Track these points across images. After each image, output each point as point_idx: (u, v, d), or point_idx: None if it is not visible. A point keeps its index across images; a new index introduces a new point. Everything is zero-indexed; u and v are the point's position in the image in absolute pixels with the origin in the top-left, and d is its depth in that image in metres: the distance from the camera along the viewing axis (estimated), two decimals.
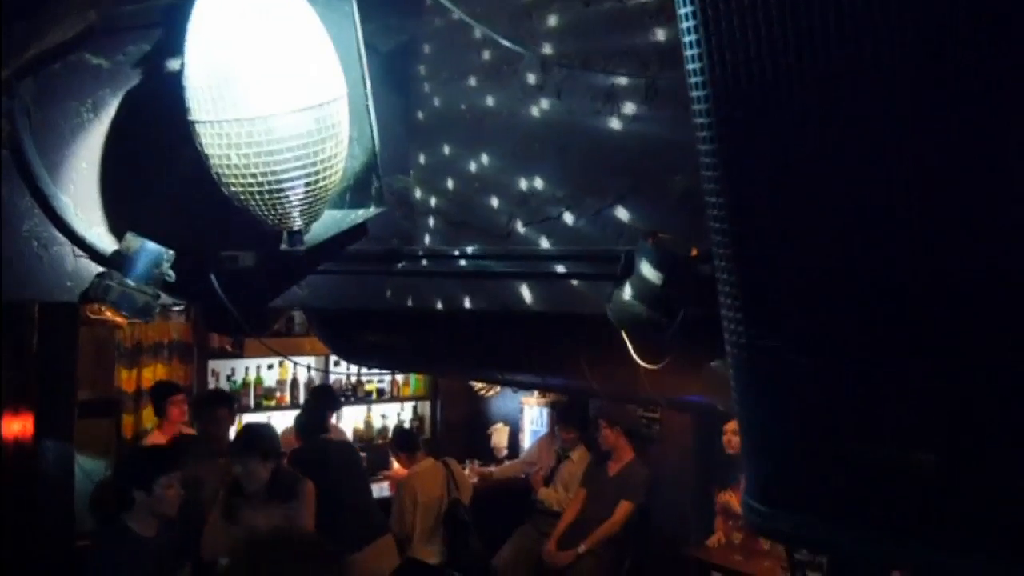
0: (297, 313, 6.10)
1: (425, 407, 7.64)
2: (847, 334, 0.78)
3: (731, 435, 5.12)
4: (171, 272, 1.85)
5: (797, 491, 0.90)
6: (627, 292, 1.42)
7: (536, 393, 7.08)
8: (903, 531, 0.84)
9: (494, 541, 5.87)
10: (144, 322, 1.87)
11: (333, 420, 6.32)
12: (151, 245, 1.81)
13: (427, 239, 1.84)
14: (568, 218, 1.67)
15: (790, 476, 0.91)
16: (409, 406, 7.55)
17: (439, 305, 1.83)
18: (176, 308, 6.74)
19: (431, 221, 1.83)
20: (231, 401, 5.51)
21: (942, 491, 0.81)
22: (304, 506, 4.05)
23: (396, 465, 5.99)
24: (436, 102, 1.80)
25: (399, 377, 7.41)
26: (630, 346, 1.42)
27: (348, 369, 6.85)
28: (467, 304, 1.79)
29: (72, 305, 4.59)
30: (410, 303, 1.84)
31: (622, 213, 1.63)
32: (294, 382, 6.93)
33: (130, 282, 1.78)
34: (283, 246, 1.62)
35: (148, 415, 6.09)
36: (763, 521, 0.96)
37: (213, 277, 1.88)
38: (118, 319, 5.44)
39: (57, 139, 2.03)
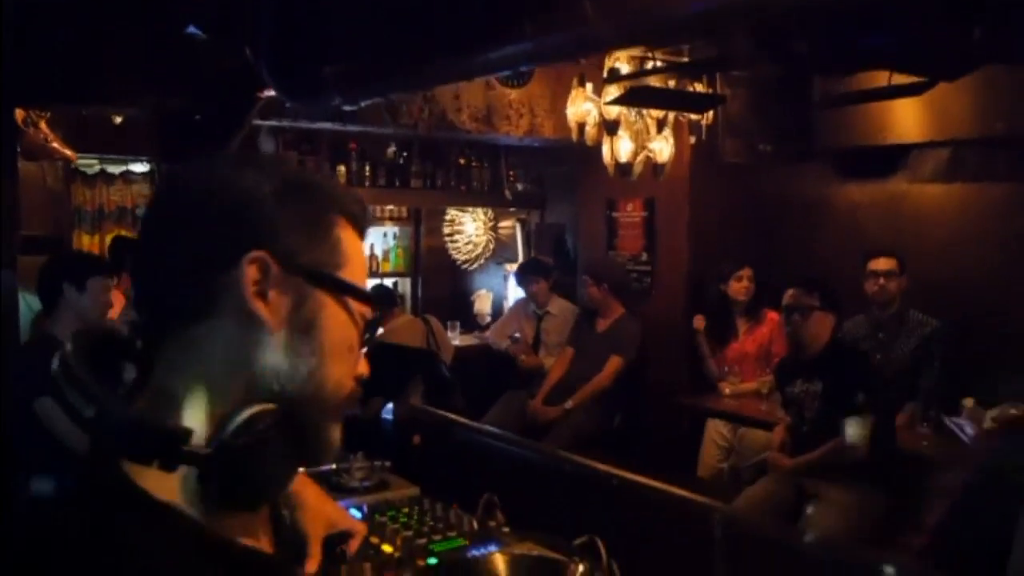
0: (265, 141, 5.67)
1: (406, 284, 7.32)
2: None
3: (747, 281, 4.87)
4: None
5: None
6: None
7: (521, 259, 6.76)
8: None
9: (480, 405, 5.60)
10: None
11: None
12: None
13: None
14: None
15: None
16: (389, 282, 7.22)
17: None
18: (140, 171, 6.36)
19: None
20: None
21: None
22: None
23: None
24: None
25: (378, 251, 7.08)
26: None
27: None
28: None
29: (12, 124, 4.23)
30: None
31: None
32: None
33: None
34: None
35: None
36: None
37: None
38: (66, 151, 5.02)
39: None
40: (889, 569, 1.36)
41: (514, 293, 6.73)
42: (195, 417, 0.77)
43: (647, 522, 1.92)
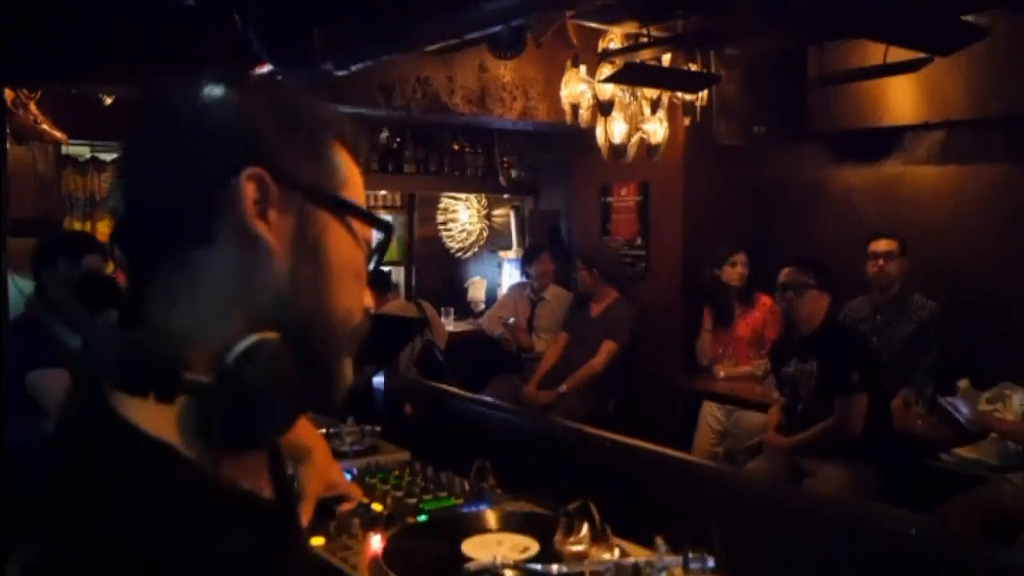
0: None
1: (399, 273, 7.29)
2: None
3: (740, 267, 4.83)
4: None
5: None
6: None
7: (515, 245, 6.74)
8: None
9: (473, 389, 5.56)
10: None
11: None
12: None
13: None
14: None
15: None
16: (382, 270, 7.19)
17: None
18: None
19: None
20: None
21: None
22: None
23: None
24: None
25: (372, 240, 7.04)
26: None
27: None
28: None
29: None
30: None
31: None
32: None
33: None
34: None
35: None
36: None
37: None
38: (57, 133, 4.98)
39: None
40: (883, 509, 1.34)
41: (508, 280, 6.71)
42: (193, 351, 0.70)
43: (641, 485, 1.90)
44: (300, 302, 0.74)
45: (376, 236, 0.84)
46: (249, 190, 0.71)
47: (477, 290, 6.82)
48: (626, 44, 3.85)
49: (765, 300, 4.81)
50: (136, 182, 0.75)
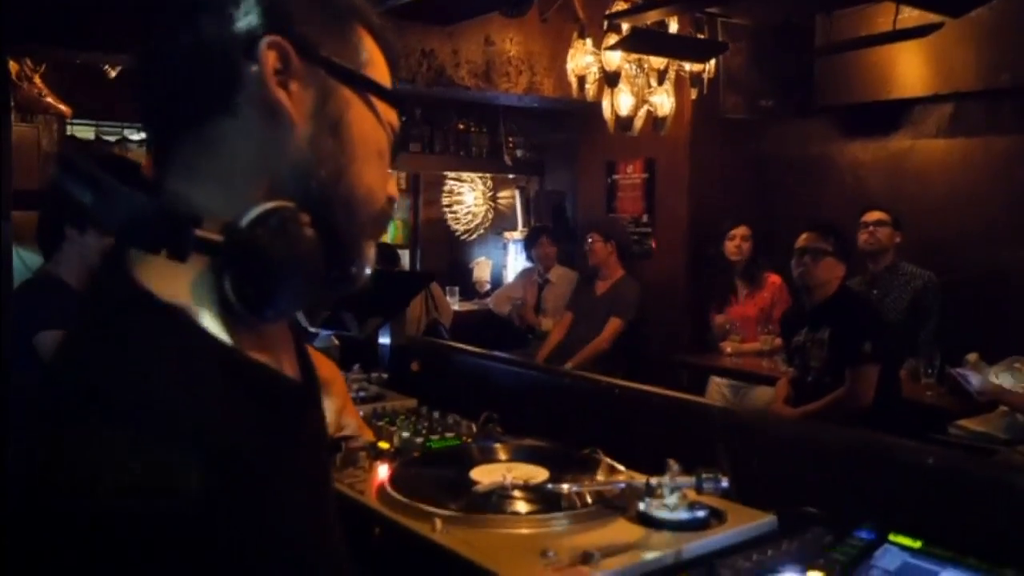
0: None
1: (404, 256, 7.27)
2: None
3: (739, 240, 4.78)
4: None
5: None
6: None
7: (521, 226, 6.72)
8: None
9: None
10: None
11: None
12: None
13: None
14: None
15: None
16: None
17: None
18: (136, 139, 6.30)
19: None
20: None
21: None
22: None
23: None
24: None
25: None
26: None
27: None
28: None
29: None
30: None
31: None
32: None
33: None
34: None
35: None
36: None
37: None
38: (61, 106, 4.96)
39: None
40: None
41: (513, 261, 6.69)
42: (211, 218, 0.69)
43: (650, 431, 1.87)
44: (320, 175, 0.74)
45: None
46: (270, 58, 0.71)
47: (482, 271, 6.81)
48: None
49: (773, 279, 4.75)
50: (159, 51, 0.74)
